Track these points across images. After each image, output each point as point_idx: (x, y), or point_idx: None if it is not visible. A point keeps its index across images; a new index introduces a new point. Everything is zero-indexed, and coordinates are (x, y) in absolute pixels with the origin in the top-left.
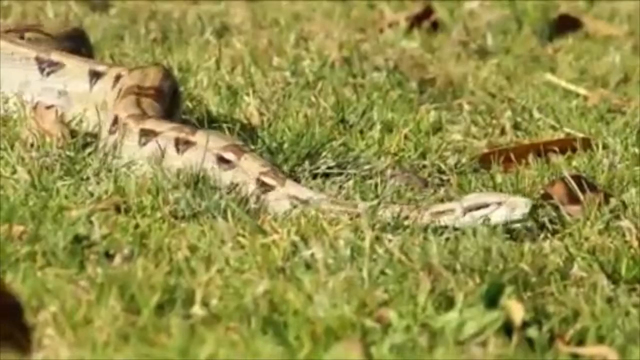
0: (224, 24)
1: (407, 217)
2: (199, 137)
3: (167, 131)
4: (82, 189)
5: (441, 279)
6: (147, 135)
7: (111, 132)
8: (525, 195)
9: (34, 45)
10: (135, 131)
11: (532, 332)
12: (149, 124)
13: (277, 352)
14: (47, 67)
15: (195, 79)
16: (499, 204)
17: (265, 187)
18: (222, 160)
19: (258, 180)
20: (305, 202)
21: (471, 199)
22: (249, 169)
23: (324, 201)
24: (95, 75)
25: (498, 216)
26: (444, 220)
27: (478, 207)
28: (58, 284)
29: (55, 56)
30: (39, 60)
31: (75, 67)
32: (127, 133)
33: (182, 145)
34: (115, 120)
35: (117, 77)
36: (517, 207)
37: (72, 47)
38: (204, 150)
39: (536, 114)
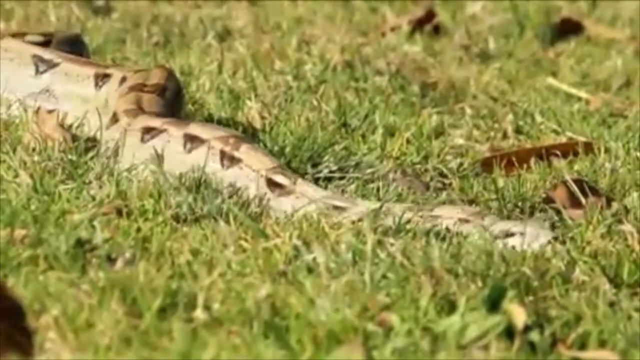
0: (226, 27)
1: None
2: (245, 154)
3: (213, 140)
4: (84, 193)
5: (443, 283)
6: (192, 141)
7: (145, 141)
8: (527, 200)
9: (94, 61)
10: (177, 136)
11: (534, 336)
12: (194, 129)
13: (279, 356)
14: (100, 81)
15: (197, 82)
16: (522, 234)
17: (338, 210)
18: (274, 184)
19: (333, 205)
20: (386, 213)
21: (496, 223)
22: (312, 196)
23: (399, 209)
24: (123, 81)
25: (520, 245)
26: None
27: (506, 235)
28: (60, 287)
29: (110, 69)
30: (96, 76)
31: (117, 75)
32: (170, 139)
33: (226, 160)
34: (148, 130)
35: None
36: (538, 239)
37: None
38: (255, 173)
39: (538, 118)
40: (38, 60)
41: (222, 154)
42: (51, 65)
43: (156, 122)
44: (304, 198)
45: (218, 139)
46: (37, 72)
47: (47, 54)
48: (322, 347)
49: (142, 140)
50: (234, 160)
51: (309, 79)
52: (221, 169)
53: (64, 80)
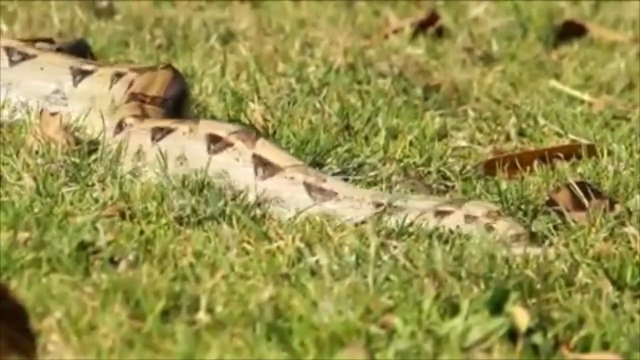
0: (229, 30)
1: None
2: (334, 185)
3: (290, 170)
4: (87, 196)
5: (446, 286)
6: (265, 167)
7: (211, 152)
8: (530, 203)
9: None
10: (247, 156)
11: (537, 338)
12: (262, 151)
13: (281, 358)
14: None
15: (200, 85)
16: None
17: (443, 215)
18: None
19: (436, 211)
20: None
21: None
22: (422, 206)
23: (493, 212)
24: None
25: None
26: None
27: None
28: (63, 290)
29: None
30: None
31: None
32: (240, 158)
33: (315, 192)
34: (214, 140)
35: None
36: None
37: None
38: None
39: (541, 121)
40: (115, 75)
41: (308, 187)
42: (120, 76)
43: (221, 131)
44: (416, 210)
45: (294, 168)
46: (110, 87)
47: (122, 68)
48: (324, 349)
49: (209, 149)
50: (325, 193)
51: (312, 82)
52: (312, 202)
53: (120, 87)
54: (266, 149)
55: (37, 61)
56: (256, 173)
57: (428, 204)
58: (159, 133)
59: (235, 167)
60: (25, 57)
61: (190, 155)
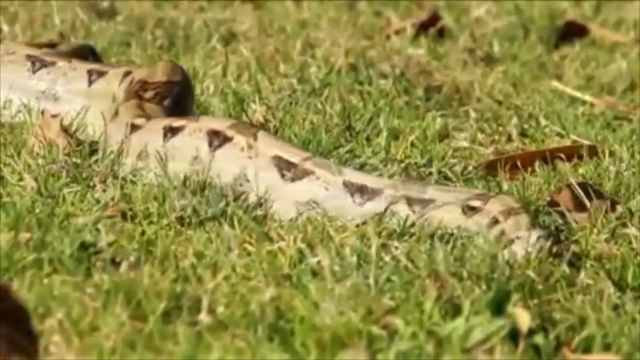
0: (230, 30)
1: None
2: (433, 193)
3: (388, 190)
4: (89, 196)
5: (447, 286)
6: (362, 192)
7: (288, 180)
8: (532, 203)
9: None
10: (336, 185)
11: (539, 339)
12: (351, 176)
13: (283, 359)
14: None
15: (202, 86)
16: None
17: (497, 221)
18: (470, 209)
19: (493, 218)
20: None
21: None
22: (498, 209)
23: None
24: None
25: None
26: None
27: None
28: (64, 291)
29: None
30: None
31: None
32: (329, 187)
33: (416, 204)
34: (287, 166)
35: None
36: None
37: None
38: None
39: (543, 121)
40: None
41: (408, 200)
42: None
43: (292, 157)
44: (491, 214)
45: (390, 187)
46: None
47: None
48: (326, 350)
49: (283, 177)
50: (424, 202)
51: (314, 82)
52: (412, 213)
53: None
54: (353, 174)
55: (107, 77)
56: (353, 200)
57: (504, 205)
58: (216, 139)
59: (325, 197)
60: (100, 75)
61: (255, 177)
